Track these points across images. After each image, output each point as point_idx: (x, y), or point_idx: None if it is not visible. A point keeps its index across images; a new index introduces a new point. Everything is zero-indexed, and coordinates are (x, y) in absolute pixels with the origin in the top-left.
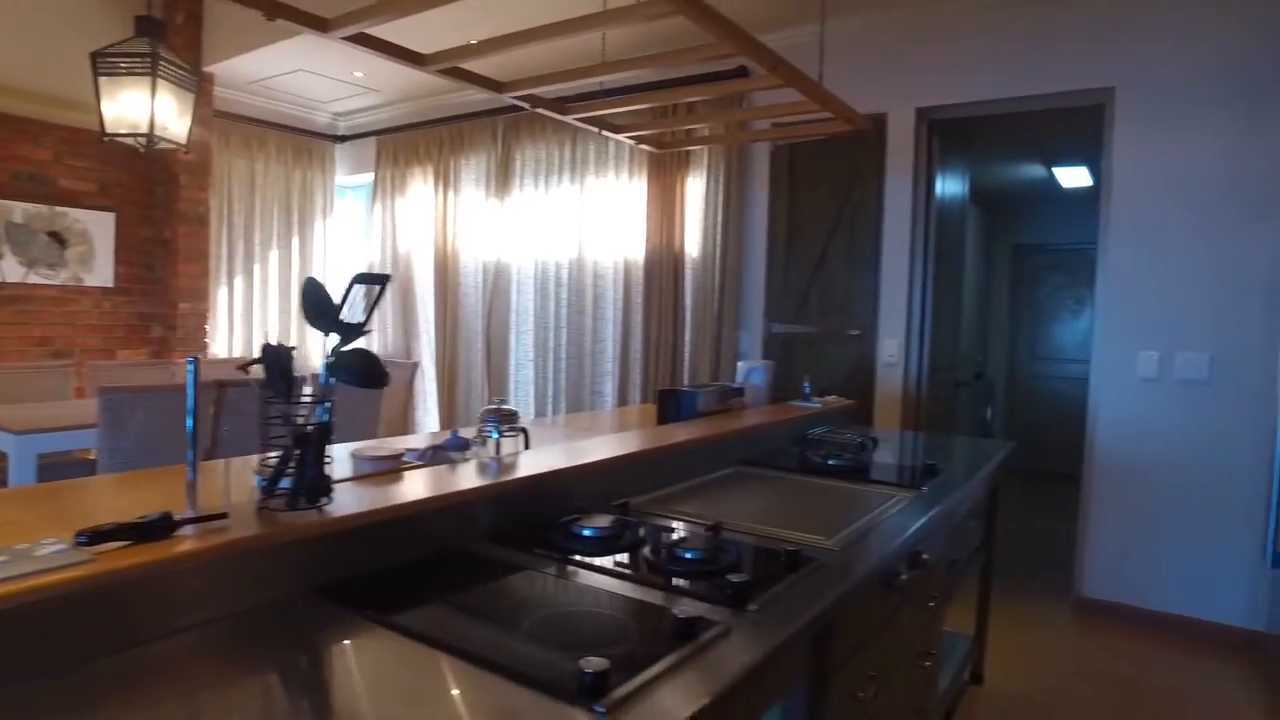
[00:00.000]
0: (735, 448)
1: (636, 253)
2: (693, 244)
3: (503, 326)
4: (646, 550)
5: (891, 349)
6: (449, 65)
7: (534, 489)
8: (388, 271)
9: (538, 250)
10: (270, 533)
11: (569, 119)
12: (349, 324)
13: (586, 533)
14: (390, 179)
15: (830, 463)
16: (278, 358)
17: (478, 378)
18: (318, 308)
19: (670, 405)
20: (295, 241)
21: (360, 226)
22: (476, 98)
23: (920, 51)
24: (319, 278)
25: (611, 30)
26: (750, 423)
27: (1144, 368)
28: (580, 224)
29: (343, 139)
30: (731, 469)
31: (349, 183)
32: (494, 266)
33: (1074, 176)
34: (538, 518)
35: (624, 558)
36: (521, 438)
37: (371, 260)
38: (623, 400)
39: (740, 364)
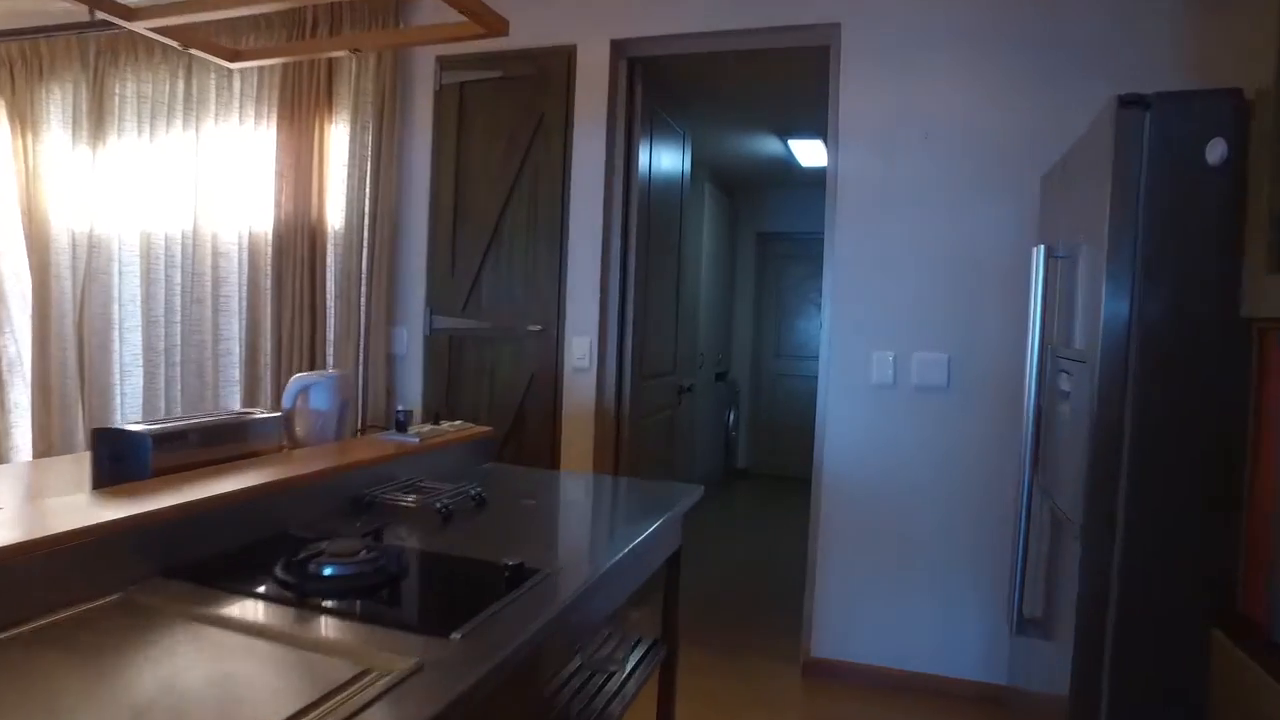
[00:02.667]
0: (189, 537)
1: (266, 223)
2: (336, 213)
3: (103, 319)
4: None
5: (581, 349)
6: None
7: None
8: None
9: (144, 219)
10: None
11: None
12: None
13: None
14: None
15: (326, 572)
16: None
17: (74, 388)
18: None
19: (106, 457)
20: None
21: None
22: (55, 6)
23: None
24: None
25: None
26: (231, 488)
27: (878, 372)
28: (196, 183)
29: None
30: (138, 586)
31: None
32: (88, 239)
33: (811, 152)
34: None
35: None
36: None
37: None
38: None
39: (294, 379)
